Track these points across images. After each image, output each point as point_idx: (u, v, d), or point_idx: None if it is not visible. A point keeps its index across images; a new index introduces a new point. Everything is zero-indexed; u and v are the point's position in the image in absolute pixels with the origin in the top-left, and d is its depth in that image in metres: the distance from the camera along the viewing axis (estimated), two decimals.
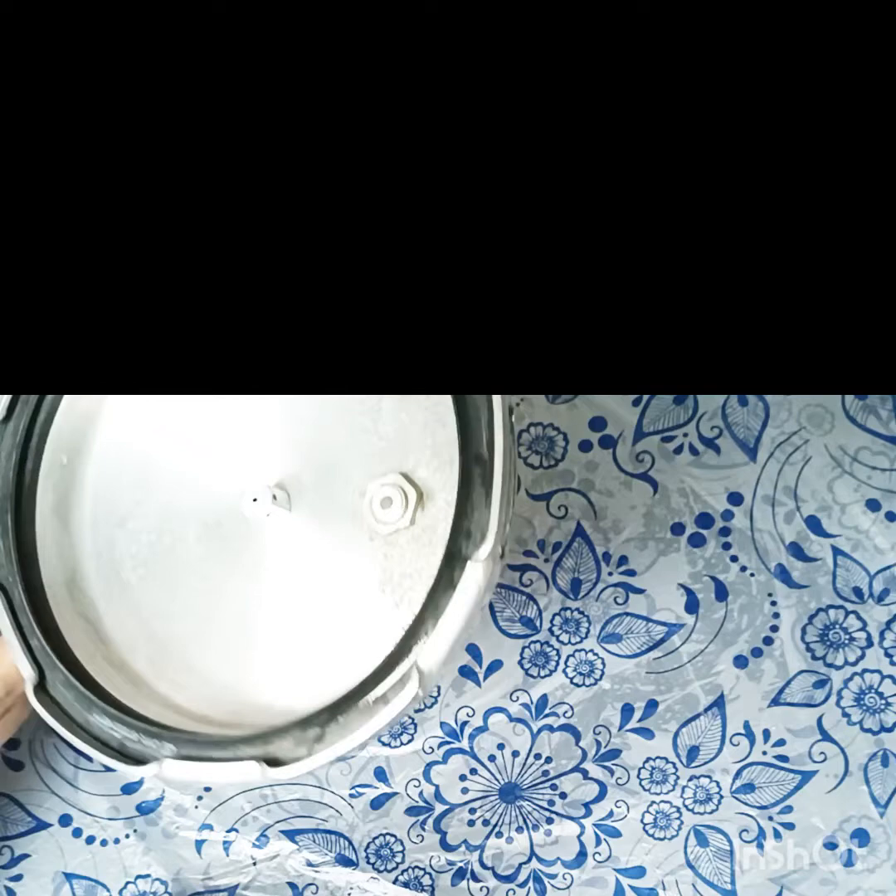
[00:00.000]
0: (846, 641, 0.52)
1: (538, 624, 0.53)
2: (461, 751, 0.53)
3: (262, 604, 0.40)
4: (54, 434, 0.42)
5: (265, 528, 0.40)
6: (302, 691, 0.38)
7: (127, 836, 0.54)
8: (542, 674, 0.53)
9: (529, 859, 0.54)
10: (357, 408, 0.40)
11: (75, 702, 0.38)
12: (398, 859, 0.54)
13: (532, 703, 0.53)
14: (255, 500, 0.39)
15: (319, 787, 0.54)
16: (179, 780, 0.36)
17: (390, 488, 0.38)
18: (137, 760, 0.37)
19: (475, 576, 0.35)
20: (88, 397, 0.42)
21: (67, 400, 0.42)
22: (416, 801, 0.54)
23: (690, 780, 0.53)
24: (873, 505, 0.51)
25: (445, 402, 0.37)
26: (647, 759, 0.53)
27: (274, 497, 0.39)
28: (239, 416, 0.42)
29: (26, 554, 0.40)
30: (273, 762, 0.35)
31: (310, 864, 0.54)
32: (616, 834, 0.53)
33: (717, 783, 0.53)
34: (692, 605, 0.52)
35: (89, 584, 0.42)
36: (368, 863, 0.54)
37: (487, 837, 0.54)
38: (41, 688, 0.38)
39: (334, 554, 0.40)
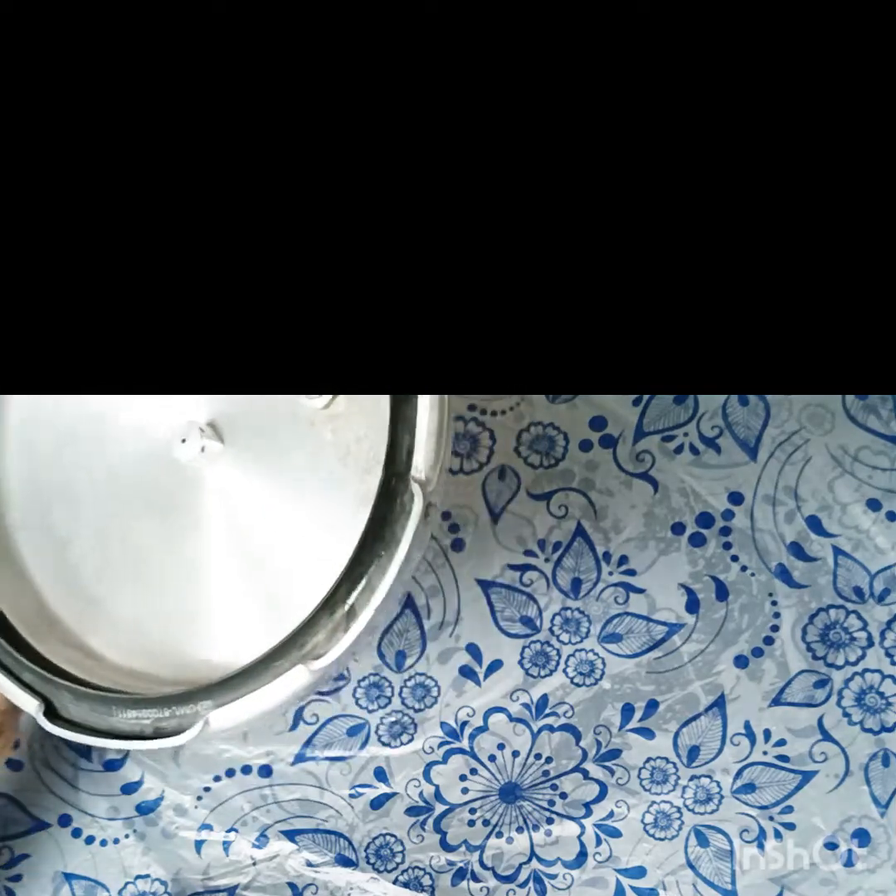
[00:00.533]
0: (847, 641, 0.52)
1: (538, 623, 0.53)
2: (461, 751, 0.53)
3: (238, 534, 0.38)
4: None
5: (206, 465, 0.38)
6: (312, 582, 0.35)
7: (126, 836, 0.54)
8: (543, 674, 0.53)
9: (530, 859, 0.54)
10: None
11: (91, 711, 0.36)
12: (398, 859, 0.54)
13: (532, 702, 0.53)
14: (183, 440, 0.37)
15: (319, 787, 0.54)
16: (232, 725, 0.34)
17: None
18: (179, 733, 0.35)
19: None
20: None
21: None
22: (416, 801, 0.54)
23: (691, 780, 0.53)
24: (874, 504, 0.51)
25: None
26: (648, 759, 0.53)
27: (201, 431, 0.37)
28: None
29: None
30: (314, 659, 0.33)
31: (309, 865, 0.54)
32: (616, 834, 0.53)
33: (718, 783, 0.53)
34: (693, 605, 0.52)
35: (51, 595, 0.40)
36: (368, 863, 0.54)
37: (487, 837, 0.54)
38: (52, 714, 0.37)
39: (284, 460, 0.38)
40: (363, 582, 0.33)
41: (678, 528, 0.52)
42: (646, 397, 0.52)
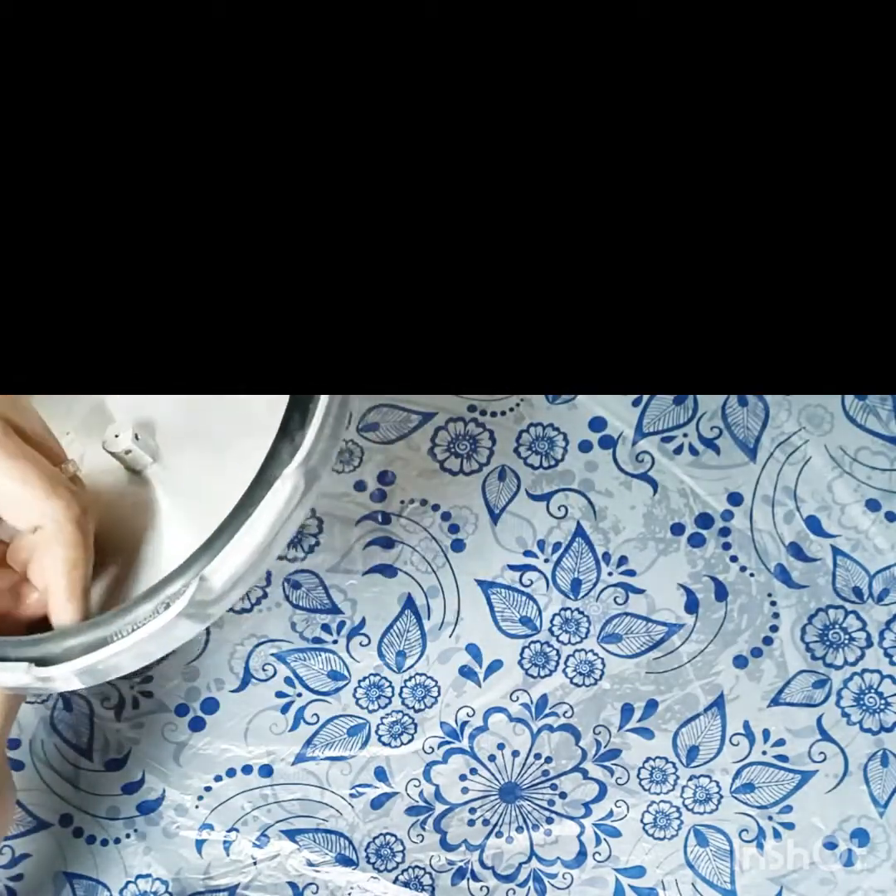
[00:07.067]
0: (846, 641, 0.52)
1: (538, 624, 0.53)
2: (461, 751, 0.53)
3: None
4: None
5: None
6: None
7: (127, 835, 0.54)
8: (542, 674, 0.53)
9: (529, 859, 0.54)
10: None
11: (86, 649, 0.34)
12: (398, 859, 0.54)
13: (532, 702, 0.53)
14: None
15: (320, 787, 0.54)
16: (232, 573, 0.33)
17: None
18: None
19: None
20: None
21: None
22: (416, 801, 0.54)
23: (690, 779, 0.53)
24: (873, 505, 0.51)
25: None
26: (647, 759, 0.53)
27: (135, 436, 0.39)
28: None
29: None
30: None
31: (310, 864, 0.54)
32: (616, 834, 0.53)
33: (717, 783, 0.53)
34: (692, 605, 0.52)
35: None
36: (368, 863, 0.54)
37: (487, 837, 0.54)
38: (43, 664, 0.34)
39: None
40: None
41: (677, 529, 0.52)
42: (646, 397, 0.52)
